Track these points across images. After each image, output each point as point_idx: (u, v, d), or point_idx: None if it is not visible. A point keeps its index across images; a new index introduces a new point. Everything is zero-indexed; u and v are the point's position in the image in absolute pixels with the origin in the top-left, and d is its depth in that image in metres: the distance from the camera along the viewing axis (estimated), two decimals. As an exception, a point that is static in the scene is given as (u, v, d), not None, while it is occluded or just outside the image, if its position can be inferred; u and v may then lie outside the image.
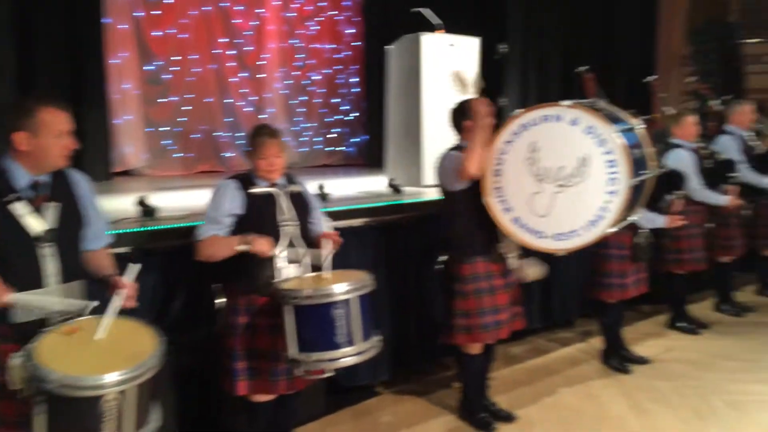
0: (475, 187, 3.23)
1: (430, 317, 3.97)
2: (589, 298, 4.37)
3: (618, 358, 4.31)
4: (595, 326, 4.60)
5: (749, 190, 5.13)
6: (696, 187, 4.70)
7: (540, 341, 4.86)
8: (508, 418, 3.60)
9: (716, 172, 4.80)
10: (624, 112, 3.33)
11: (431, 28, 5.11)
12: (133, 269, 2.22)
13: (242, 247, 2.66)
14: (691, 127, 4.78)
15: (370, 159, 8.22)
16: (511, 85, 7.08)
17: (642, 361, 4.36)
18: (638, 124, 3.33)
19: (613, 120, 3.09)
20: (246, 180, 2.85)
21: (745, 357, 4.44)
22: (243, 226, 2.74)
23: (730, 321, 5.24)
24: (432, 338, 3.91)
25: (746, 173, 5.09)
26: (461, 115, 3.37)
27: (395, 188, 4.08)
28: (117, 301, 2.12)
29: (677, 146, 4.76)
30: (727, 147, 5.13)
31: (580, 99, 3.32)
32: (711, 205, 4.82)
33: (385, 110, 5.57)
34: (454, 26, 5.30)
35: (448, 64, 5.02)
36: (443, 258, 3.41)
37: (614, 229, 3.05)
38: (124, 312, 2.15)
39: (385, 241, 3.86)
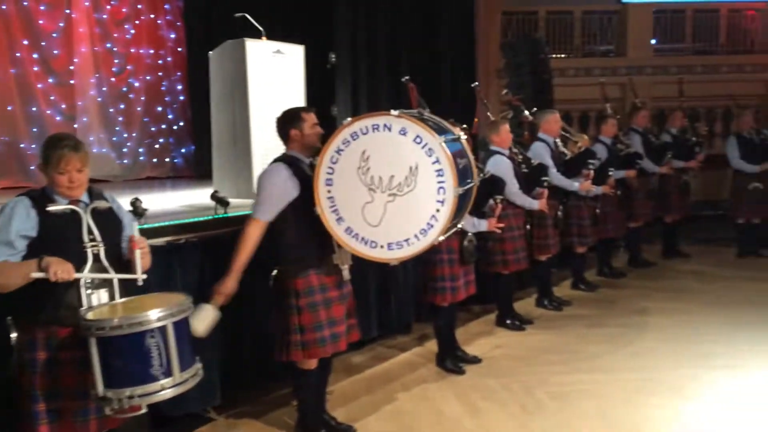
0: (306, 198, 3.14)
1: (264, 334, 3.80)
2: (424, 302, 4.46)
3: (452, 360, 4.43)
4: (431, 330, 4.70)
5: (560, 193, 5.56)
6: (514, 191, 4.98)
7: (380, 348, 4.87)
8: (347, 431, 3.54)
9: (531, 177, 5.13)
10: (447, 122, 3.42)
11: (256, 34, 4.94)
12: None
13: (37, 275, 2.33)
14: (507, 134, 5.07)
15: (198, 170, 7.85)
16: (341, 93, 7.10)
17: (474, 360, 4.51)
18: (462, 134, 3.43)
19: (440, 130, 3.14)
20: (42, 197, 2.51)
21: (564, 349, 4.76)
22: (39, 249, 2.40)
23: (550, 315, 5.61)
24: (266, 356, 3.74)
25: (557, 177, 5.49)
26: (288, 124, 3.28)
27: (219, 200, 3.85)
28: None
29: (496, 153, 5.02)
30: (540, 153, 5.51)
31: (407, 108, 3.35)
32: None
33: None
34: (278, 34, 5.17)
35: (274, 71, 4.89)
36: (275, 272, 3.27)
37: (444, 237, 3.10)
38: None
39: (212, 258, 3.62)
